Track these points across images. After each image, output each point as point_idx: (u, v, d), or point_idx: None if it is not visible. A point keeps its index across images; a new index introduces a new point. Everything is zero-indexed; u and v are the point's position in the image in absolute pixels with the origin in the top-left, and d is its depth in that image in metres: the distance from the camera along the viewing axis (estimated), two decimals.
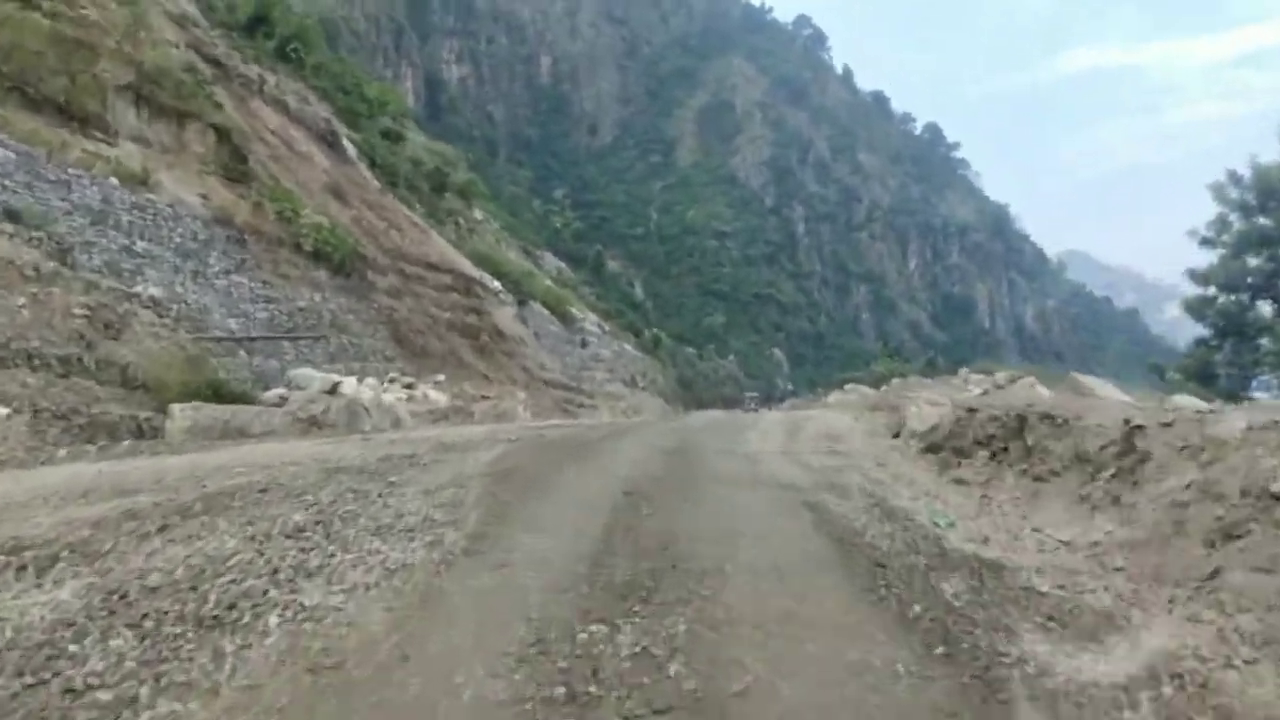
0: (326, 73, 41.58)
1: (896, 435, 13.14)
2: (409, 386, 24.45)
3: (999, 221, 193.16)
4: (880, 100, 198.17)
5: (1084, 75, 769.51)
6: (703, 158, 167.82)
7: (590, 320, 52.24)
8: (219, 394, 15.68)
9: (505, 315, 38.94)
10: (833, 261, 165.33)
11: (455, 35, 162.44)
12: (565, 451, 11.73)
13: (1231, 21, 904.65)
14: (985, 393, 17.10)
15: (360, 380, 22.41)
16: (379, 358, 27.70)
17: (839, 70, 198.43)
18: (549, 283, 52.15)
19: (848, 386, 52.61)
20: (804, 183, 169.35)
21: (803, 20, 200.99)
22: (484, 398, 28.59)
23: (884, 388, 36.89)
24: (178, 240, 21.91)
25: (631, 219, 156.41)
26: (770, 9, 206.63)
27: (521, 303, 41.62)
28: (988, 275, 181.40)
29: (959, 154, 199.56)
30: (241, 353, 20.73)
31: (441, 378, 27.76)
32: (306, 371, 18.21)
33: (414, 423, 18.97)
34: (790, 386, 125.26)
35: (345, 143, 39.90)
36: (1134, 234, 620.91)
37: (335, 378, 17.55)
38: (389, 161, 43.75)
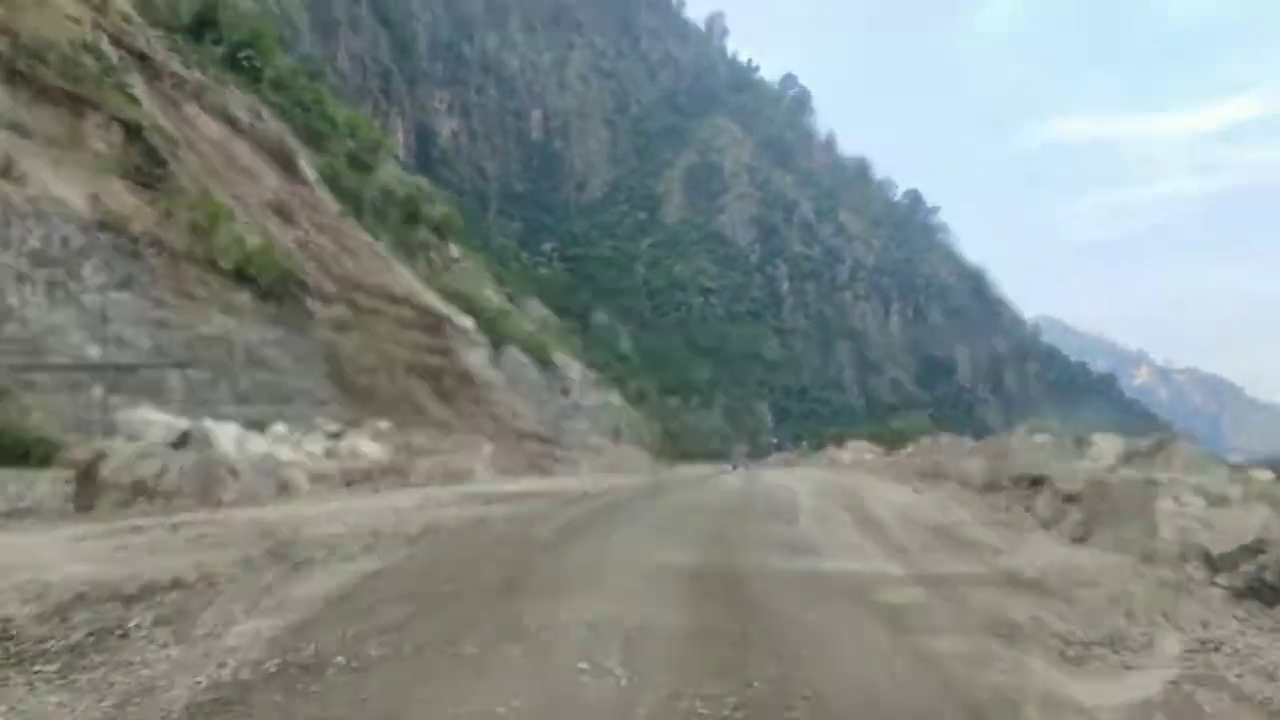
0: (285, 88, 36.24)
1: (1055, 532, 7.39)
2: (335, 436, 18.66)
3: (978, 284, 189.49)
4: (862, 166, 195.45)
5: (1062, 145, 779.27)
6: (690, 215, 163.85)
7: (574, 368, 46.70)
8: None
9: (476, 357, 33.29)
10: (817, 319, 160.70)
11: (445, 85, 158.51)
12: (478, 588, 5.90)
13: (1211, 94, 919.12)
14: (1126, 462, 11.40)
15: (266, 429, 16.63)
16: (308, 400, 21.91)
17: (822, 136, 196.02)
18: (530, 327, 46.72)
19: (851, 444, 47.42)
20: (789, 242, 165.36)
21: (789, 80, 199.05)
22: (435, 451, 22.80)
23: (910, 447, 31.50)
24: (33, 244, 16.23)
25: (619, 273, 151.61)
26: (757, 67, 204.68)
27: (497, 345, 35.98)
28: (968, 336, 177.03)
29: (938, 218, 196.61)
30: (96, 389, 14.93)
31: (385, 426, 21.98)
32: (145, 414, 12.40)
33: (310, 489, 13.24)
34: (775, 440, 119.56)
35: (303, 164, 34.47)
36: (1105, 302, 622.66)
37: (183, 424, 11.77)
38: (354, 187, 38.35)
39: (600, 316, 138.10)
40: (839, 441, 61.44)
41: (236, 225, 23.60)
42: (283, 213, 29.06)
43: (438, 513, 10.25)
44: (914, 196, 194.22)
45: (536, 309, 72.80)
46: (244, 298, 22.16)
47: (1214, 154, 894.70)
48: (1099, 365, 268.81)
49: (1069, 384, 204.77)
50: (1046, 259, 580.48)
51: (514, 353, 36.98)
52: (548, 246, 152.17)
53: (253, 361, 20.98)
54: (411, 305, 30.60)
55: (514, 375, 36.08)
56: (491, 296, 46.71)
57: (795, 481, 23.07)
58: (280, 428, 17.67)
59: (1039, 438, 24.95)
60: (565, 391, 40.81)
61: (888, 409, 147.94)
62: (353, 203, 37.92)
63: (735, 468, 64.74)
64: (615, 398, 67.30)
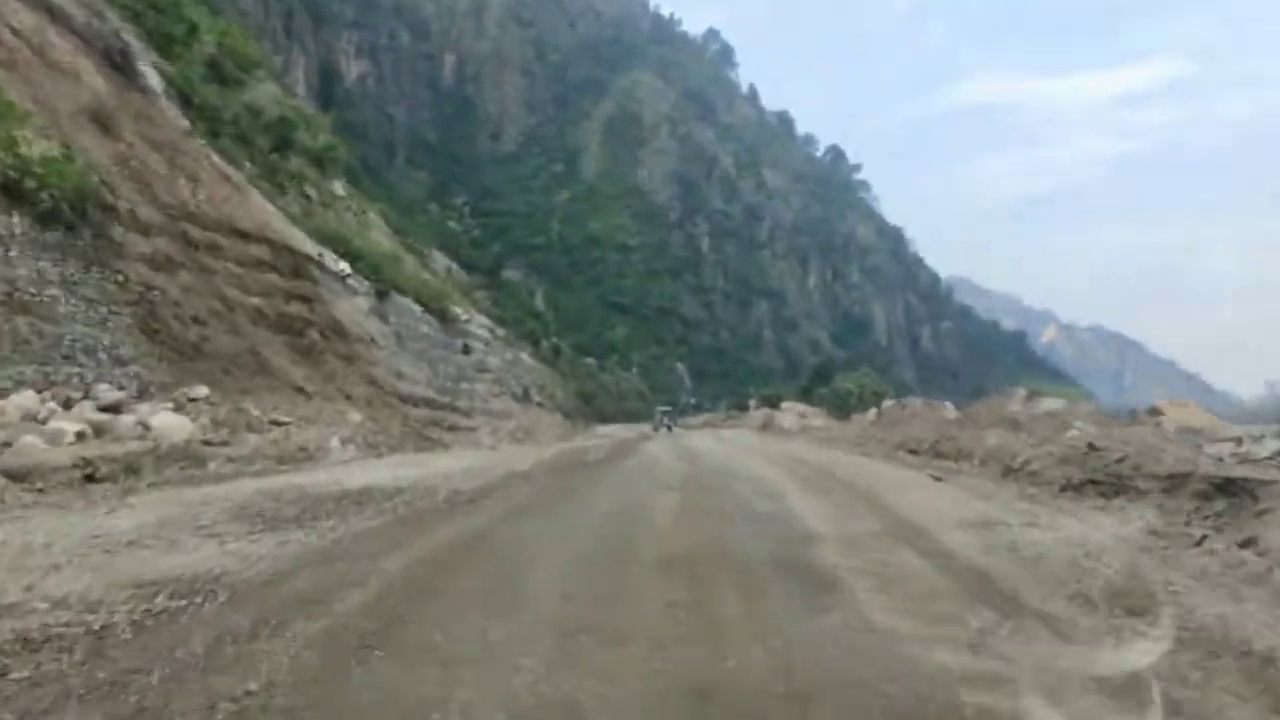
0: None
1: None
2: (111, 409, 13.40)
3: (896, 244, 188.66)
4: (785, 120, 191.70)
5: (974, 108, 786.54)
6: (608, 169, 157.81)
7: (478, 323, 41.51)
8: None
9: (353, 307, 27.91)
10: (736, 278, 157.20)
11: (354, 28, 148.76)
12: None
13: (1117, 60, 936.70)
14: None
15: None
16: (100, 359, 16.46)
17: (745, 89, 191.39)
18: (426, 275, 41.21)
19: (787, 406, 43.47)
20: (709, 198, 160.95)
21: (712, 34, 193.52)
22: (276, 423, 17.63)
23: (872, 412, 27.34)
24: None
25: (534, 228, 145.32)
26: (679, 21, 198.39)
27: (382, 294, 30.58)
28: (885, 296, 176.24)
29: (860, 176, 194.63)
30: None
31: (203, 392, 16.70)
32: None
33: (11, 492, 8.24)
34: (693, 400, 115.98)
35: (145, 69, 28.40)
36: (1014, 262, 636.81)
37: None
38: (212, 103, 32.30)
39: (513, 273, 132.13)
40: (772, 403, 57.56)
41: (14, 128, 17.86)
42: (102, 122, 23.12)
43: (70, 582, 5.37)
44: (836, 153, 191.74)
45: (442, 262, 66.98)
46: (13, 220, 16.54)
47: (1119, 118, 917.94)
48: (1008, 324, 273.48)
49: (982, 342, 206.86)
50: (958, 220, 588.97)
51: (405, 304, 31.61)
52: (459, 200, 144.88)
53: (16, 306, 15.46)
54: (267, 242, 25.02)
55: (404, 330, 30.79)
56: (383, 242, 41.05)
57: (755, 461, 18.59)
58: (24, 397, 12.38)
59: (1049, 403, 21.03)
60: (467, 349, 35.66)
61: (807, 369, 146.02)
62: (209, 121, 31.94)
63: (658, 429, 59.92)
64: (527, 357, 62.37)
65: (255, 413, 17.62)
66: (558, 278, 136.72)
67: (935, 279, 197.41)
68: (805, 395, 57.50)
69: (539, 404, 40.76)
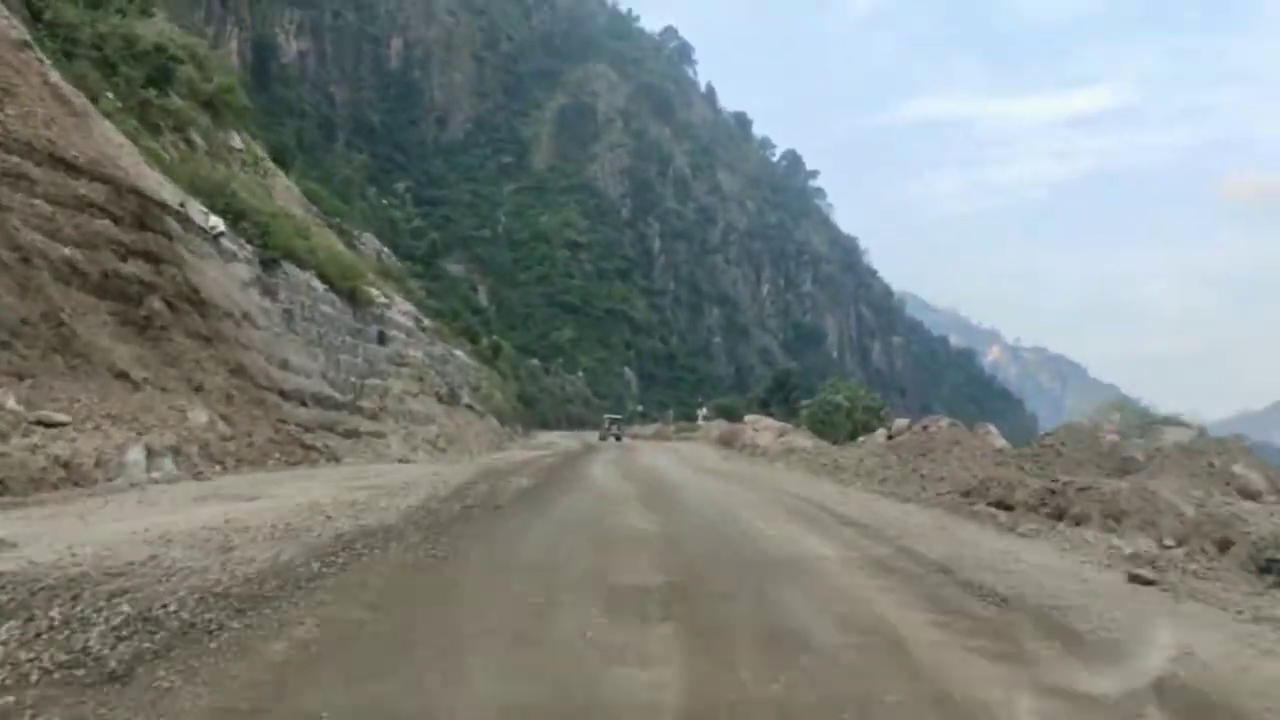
0: None
1: None
2: None
3: (850, 255, 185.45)
4: (743, 122, 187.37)
5: (923, 124, 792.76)
6: (559, 162, 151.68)
7: (400, 309, 35.33)
8: None
9: (224, 275, 21.61)
10: (688, 281, 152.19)
11: (296, 5, 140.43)
12: None
13: (1065, 84, 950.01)
14: None
15: None
16: None
17: (703, 88, 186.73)
18: (341, 250, 34.72)
19: (751, 419, 37.67)
20: (663, 197, 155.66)
21: (670, 32, 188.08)
22: (44, 424, 11.49)
23: (882, 435, 21.82)
24: None
25: (479, 221, 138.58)
26: (637, 17, 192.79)
27: (270, 263, 24.28)
28: (838, 307, 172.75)
29: (815, 183, 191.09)
30: None
31: None
32: None
33: None
34: (640, 408, 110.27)
35: None
36: (959, 279, 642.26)
37: None
38: (69, 20, 25.85)
39: (455, 266, 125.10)
40: (729, 414, 52.07)
41: None
42: None
43: None
44: (793, 158, 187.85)
45: (372, 244, 60.42)
46: None
47: (1066, 140, 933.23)
48: (954, 342, 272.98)
49: (930, 359, 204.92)
50: (905, 235, 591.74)
51: (302, 278, 25.30)
52: (400, 186, 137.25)
53: None
54: (104, 180, 18.70)
55: (298, 310, 24.50)
56: (293, 210, 34.61)
57: (768, 511, 12.61)
58: None
59: (1173, 433, 15.61)
60: (383, 339, 29.49)
61: (758, 378, 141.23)
62: (62, 41, 25.48)
63: (605, 439, 54.25)
64: (463, 354, 56.17)
65: (11, 405, 11.51)
66: (502, 273, 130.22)
67: (888, 291, 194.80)
68: (765, 407, 52.00)
69: (469, 406, 34.68)
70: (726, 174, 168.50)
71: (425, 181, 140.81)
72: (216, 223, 22.06)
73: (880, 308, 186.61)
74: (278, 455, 16.81)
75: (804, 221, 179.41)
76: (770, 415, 47.41)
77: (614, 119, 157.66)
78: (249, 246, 23.87)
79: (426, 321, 39.01)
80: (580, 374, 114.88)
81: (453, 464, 20.08)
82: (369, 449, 22.08)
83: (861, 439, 24.99)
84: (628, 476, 19.00)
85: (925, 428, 19.55)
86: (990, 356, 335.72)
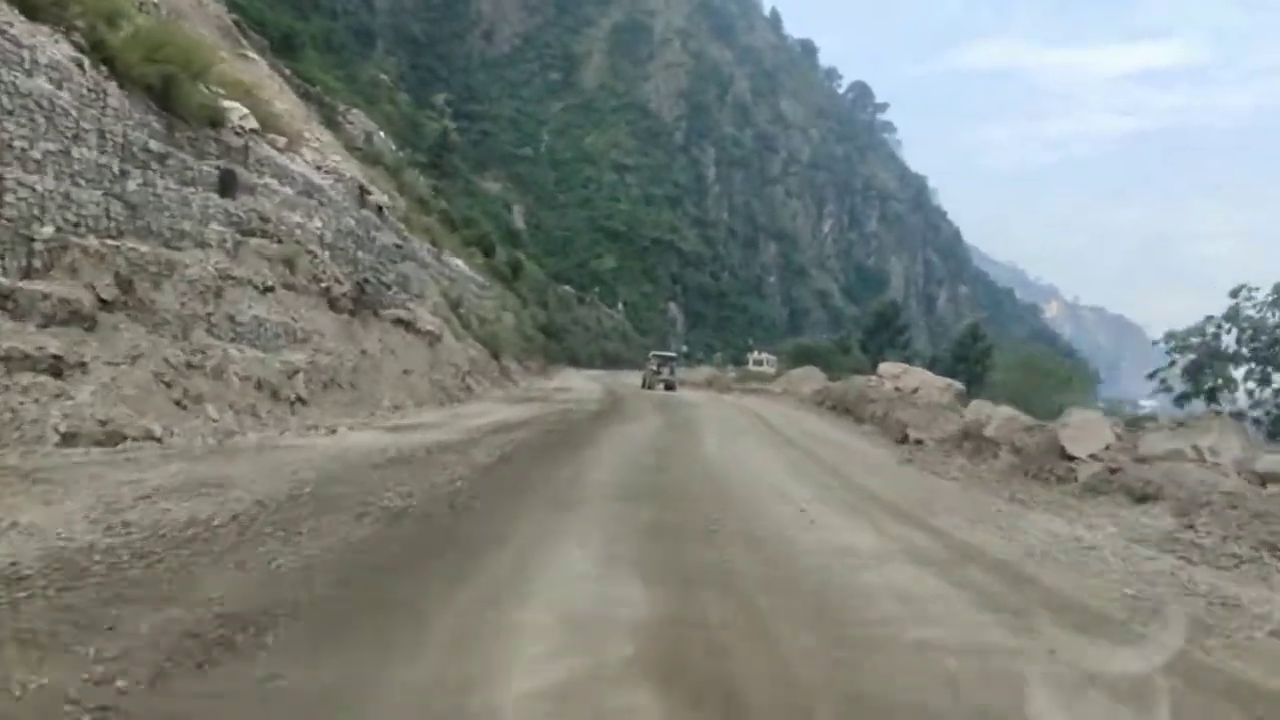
0: None
1: None
2: None
3: (919, 194, 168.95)
4: (809, 50, 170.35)
5: (982, 72, 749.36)
6: (610, 80, 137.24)
7: (318, 159, 22.72)
8: None
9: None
10: (743, 213, 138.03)
11: None
12: None
13: (1132, 36, 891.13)
14: None
15: None
16: None
17: (766, 12, 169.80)
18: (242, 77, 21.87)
19: (890, 367, 24.39)
20: (719, 123, 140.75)
21: None
22: None
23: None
24: None
25: (520, 138, 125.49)
26: None
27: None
28: (904, 250, 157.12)
29: (884, 117, 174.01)
30: None
31: None
32: None
33: None
34: (685, 348, 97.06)
35: None
36: (1018, 233, 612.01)
37: None
38: None
39: (491, 184, 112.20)
40: (809, 358, 38.64)
41: None
42: None
43: None
44: (860, 90, 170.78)
45: (363, 124, 47.63)
46: None
47: (1131, 96, 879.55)
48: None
49: (996, 311, 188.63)
50: (962, 184, 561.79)
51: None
52: (440, 98, 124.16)
53: None
54: None
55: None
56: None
57: None
58: None
59: None
60: (228, 184, 16.83)
61: (812, 325, 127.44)
62: None
63: (651, 385, 40.46)
64: (463, 263, 43.80)
65: None
66: (542, 194, 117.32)
67: (957, 236, 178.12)
68: (865, 352, 38.81)
69: (426, 330, 21.85)
70: (790, 102, 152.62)
71: (466, 95, 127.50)
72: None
73: (947, 253, 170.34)
74: None
75: (870, 156, 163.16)
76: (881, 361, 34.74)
77: (671, 38, 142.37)
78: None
79: (381, 197, 26.30)
80: (620, 307, 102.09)
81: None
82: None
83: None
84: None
85: None
86: (1049, 313, 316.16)
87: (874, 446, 16.49)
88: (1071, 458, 10.87)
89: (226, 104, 16.57)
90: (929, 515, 9.03)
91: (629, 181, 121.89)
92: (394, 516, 6.97)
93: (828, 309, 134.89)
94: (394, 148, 52.90)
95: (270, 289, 14.81)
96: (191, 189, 14.57)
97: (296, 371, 13.67)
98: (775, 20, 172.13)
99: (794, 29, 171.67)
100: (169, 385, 10.19)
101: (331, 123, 43.09)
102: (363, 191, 25.38)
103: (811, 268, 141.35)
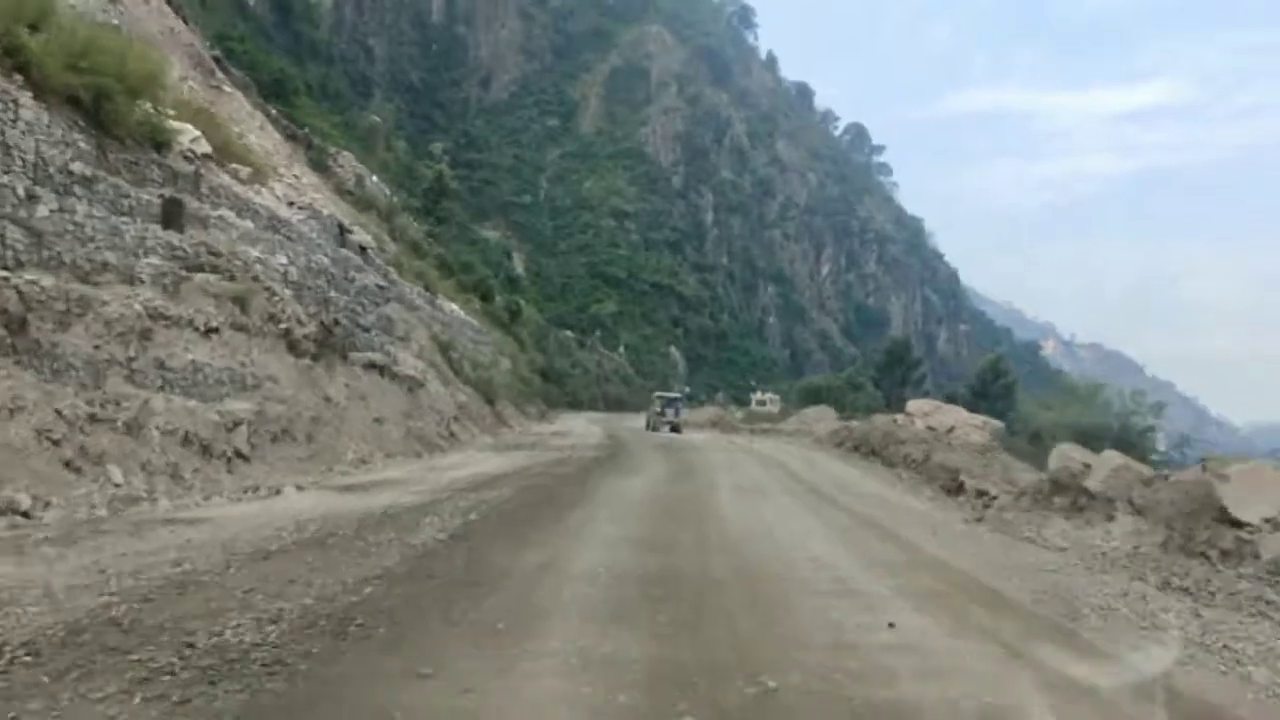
0: None
1: None
2: None
3: (915, 236, 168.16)
4: (804, 93, 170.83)
5: (979, 114, 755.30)
6: (607, 126, 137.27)
7: (289, 194, 21.12)
8: None
9: None
10: (741, 257, 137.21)
11: None
12: None
13: (1125, 78, 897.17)
14: None
15: None
16: None
17: (763, 56, 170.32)
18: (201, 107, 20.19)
19: (919, 405, 22.15)
20: (717, 167, 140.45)
21: None
22: None
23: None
24: None
25: (519, 185, 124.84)
26: None
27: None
28: (902, 290, 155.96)
29: (880, 159, 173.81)
30: None
31: None
32: None
33: None
34: (687, 389, 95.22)
35: None
36: (1015, 272, 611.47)
37: None
38: None
39: (491, 232, 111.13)
40: (817, 397, 36.79)
41: None
42: None
43: None
44: (857, 132, 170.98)
45: (352, 167, 46.29)
46: None
47: (1125, 135, 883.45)
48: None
49: (996, 349, 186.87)
50: (959, 226, 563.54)
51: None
52: (438, 147, 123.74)
53: None
54: None
55: None
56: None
57: None
58: None
59: None
60: (172, 215, 15.00)
61: (814, 365, 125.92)
62: None
63: (655, 428, 38.76)
64: (459, 308, 42.28)
65: None
66: (541, 241, 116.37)
67: (954, 276, 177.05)
68: (878, 387, 37.10)
69: (406, 376, 20.06)
70: (787, 145, 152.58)
71: (465, 143, 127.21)
72: None
73: (946, 293, 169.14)
74: None
75: (867, 199, 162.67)
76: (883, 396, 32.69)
77: (668, 82, 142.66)
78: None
79: (364, 237, 24.68)
80: (621, 350, 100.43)
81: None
82: None
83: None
84: None
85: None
86: (1046, 351, 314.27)
87: (922, 500, 14.58)
88: (1239, 524, 8.50)
89: (174, 125, 14.99)
90: (1080, 626, 6.32)
91: (628, 227, 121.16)
92: (184, 687, 4.00)
93: (828, 349, 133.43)
94: (388, 193, 51.52)
95: (214, 330, 13.19)
96: (125, 218, 13.02)
97: (239, 423, 11.96)
98: (771, 63, 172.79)
99: (790, 72, 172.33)
100: (57, 443, 8.46)
101: (321, 165, 41.89)
102: (343, 230, 23.83)
103: (811, 309, 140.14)
